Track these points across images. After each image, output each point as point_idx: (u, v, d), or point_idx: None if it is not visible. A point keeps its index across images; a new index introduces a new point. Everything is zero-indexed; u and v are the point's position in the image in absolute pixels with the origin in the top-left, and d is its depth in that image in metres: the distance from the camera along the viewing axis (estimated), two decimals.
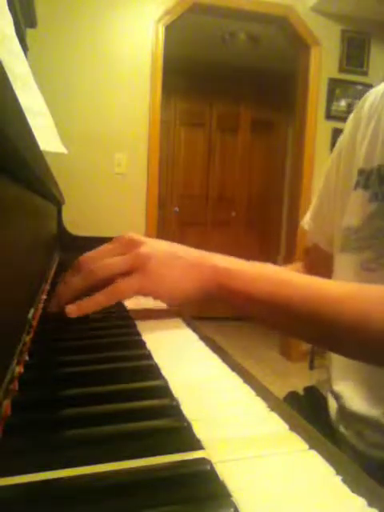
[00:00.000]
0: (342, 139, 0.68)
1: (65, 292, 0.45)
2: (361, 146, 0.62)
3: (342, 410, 0.60)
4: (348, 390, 0.60)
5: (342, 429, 0.59)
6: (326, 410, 0.64)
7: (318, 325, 0.42)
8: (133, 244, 0.45)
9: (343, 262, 0.63)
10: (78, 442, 0.23)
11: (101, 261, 0.45)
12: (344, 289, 0.44)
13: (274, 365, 2.84)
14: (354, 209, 0.61)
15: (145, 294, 0.45)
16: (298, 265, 0.77)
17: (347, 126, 0.67)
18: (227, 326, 3.25)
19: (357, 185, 0.61)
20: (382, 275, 0.55)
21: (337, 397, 0.62)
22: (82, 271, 0.45)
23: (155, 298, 0.46)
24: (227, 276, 0.45)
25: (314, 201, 0.74)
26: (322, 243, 0.72)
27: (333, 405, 0.62)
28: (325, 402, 0.65)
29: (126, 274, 0.44)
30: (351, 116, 0.67)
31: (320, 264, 0.73)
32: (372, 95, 0.64)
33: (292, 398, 0.71)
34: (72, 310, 0.43)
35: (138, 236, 0.47)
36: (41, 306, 0.51)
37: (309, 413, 0.64)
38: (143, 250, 0.44)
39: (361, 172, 0.60)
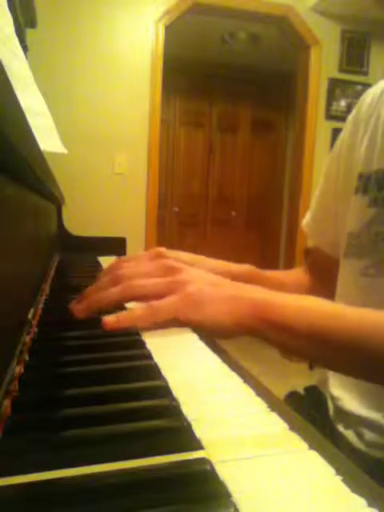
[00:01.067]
0: (341, 140, 0.67)
1: (98, 299, 0.43)
2: (360, 149, 0.61)
3: (341, 410, 0.60)
4: (347, 392, 0.60)
5: (341, 429, 0.59)
6: (327, 409, 0.64)
7: (366, 358, 0.40)
8: (173, 269, 0.44)
9: (346, 267, 0.62)
10: (78, 441, 0.23)
11: (141, 278, 0.44)
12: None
13: (274, 365, 2.84)
14: (354, 214, 0.60)
15: (182, 321, 0.42)
16: (299, 270, 0.77)
17: (346, 127, 0.67)
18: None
19: (356, 190, 0.60)
20: (381, 282, 0.55)
21: (335, 398, 0.62)
22: (119, 283, 0.44)
23: (192, 324, 0.43)
24: (267, 309, 0.42)
25: (314, 202, 0.74)
26: (323, 245, 0.72)
27: (332, 405, 0.62)
28: (325, 401, 0.65)
29: (163, 296, 0.42)
30: (350, 117, 0.66)
31: (321, 266, 0.73)
32: (369, 96, 0.63)
33: (292, 397, 0.71)
34: (109, 322, 0.40)
35: (176, 261, 0.46)
36: (41, 306, 0.51)
37: (309, 412, 0.64)
38: (184, 276, 0.43)
39: (360, 176, 0.60)
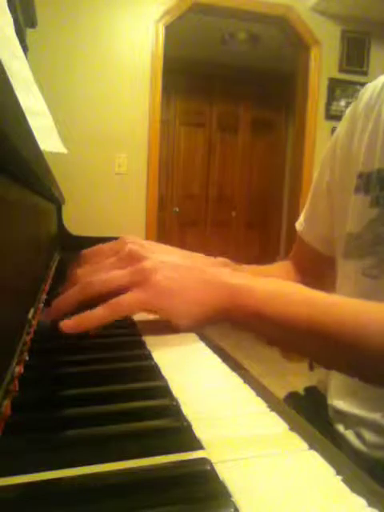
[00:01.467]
0: (337, 137, 0.65)
1: (60, 304, 0.41)
2: (359, 147, 0.60)
3: (341, 411, 0.60)
4: (345, 393, 0.60)
5: (341, 429, 0.59)
6: (326, 410, 0.64)
7: (341, 349, 0.39)
8: (134, 257, 0.41)
9: (346, 267, 0.62)
10: (78, 442, 0.23)
11: (100, 274, 0.41)
12: (376, 311, 0.40)
13: (274, 365, 2.84)
14: (355, 214, 0.59)
15: (150, 310, 0.41)
16: (287, 263, 0.77)
17: (342, 124, 0.65)
18: (227, 326, 3.25)
19: (357, 189, 0.59)
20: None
21: (335, 398, 0.62)
22: (79, 283, 0.42)
23: (163, 316, 0.41)
24: (241, 294, 0.40)
25: (308, 201, 0.74)
26: (316, 244, 0.71)
27: (331, 405, 0.62)
28: (325, 402, 0.65)
29: (127, 289, 0.39)
30: (346, 114, 0.65)
31: (311, 263, 0.73)
32: (368, 92, 0.61)
33: (292, 398, 0.71)
34: (68, 325, 0.38)
35: (141, 250, 0.42)
36: (41, 305, 0.51)
37: (309, 413, 0.64)
38: (146, 264, 0.40)
39: (360, 175, 0.59)
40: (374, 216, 0.56)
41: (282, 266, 0.76)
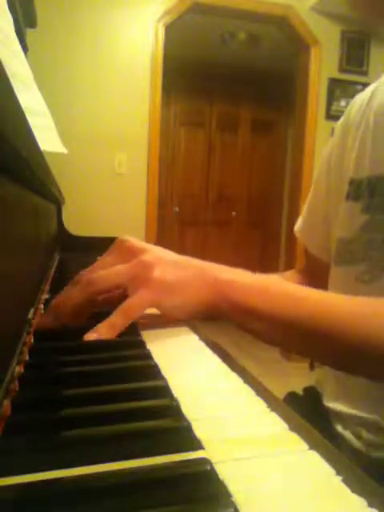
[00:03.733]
0: (332, 145, 0.67)
1: (62, 305, 0.41)
2: (350, 154, 0.61)
3: (339, 411, 0.60)
4: (343, 393, 0.60)
5: (339, 429, 0.59)
6: (325, 410, 0.64)
7: (327, 343, 0.39)
8: (133, 252, 0.42)
9: (337, 273, 0.62)
10: (78, 442, 0.23)
11: (97, 272, 0.42)
12: (354, 304, 0.41)
13: (273, 365, 2.84)
14: (346, 220, 0.60)
15: (157, 306, 0.41)
16: (294, 271, 0.77)
17: (336, 132, 0.66)
18: (227, 326, 3.25)
19: (348, 196, 0.60)
20: (377, 287, 0.55)
21: (333, 398, 0.62)
22: (80, 282, 0.42)
23: (165, 310, 0.42)
24: (229, 288, 0.41)
25: (305, 208, 0.74)
26: (315, 250, 0.72)
27: (330, 405, 0.62)
28: (323, 402, 0.65)
29: (129, 284, 0.40)
30: (339, 122, 0.66)
31: (313, 269, 0.73)
32: (358, 101, 0.63)
33: (291, 398, 0.71)
34: (90, 337, 0.38)
35: (138, 242, 0.43)
36: (41, 305, 0.51)
37: (308, 413, 0.64)
38: (146, 257, 0.41)
39: (351, 182, 0.60)
40: (365, 222, 0.57)
41: (286, 276, 0.76)
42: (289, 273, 0.78)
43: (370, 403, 0.55)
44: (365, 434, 0.55)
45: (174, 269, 0.41)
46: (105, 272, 0.41)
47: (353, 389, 0.58)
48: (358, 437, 0.56)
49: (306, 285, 0.71)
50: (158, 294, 0.40)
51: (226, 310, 0.41)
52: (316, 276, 0.73)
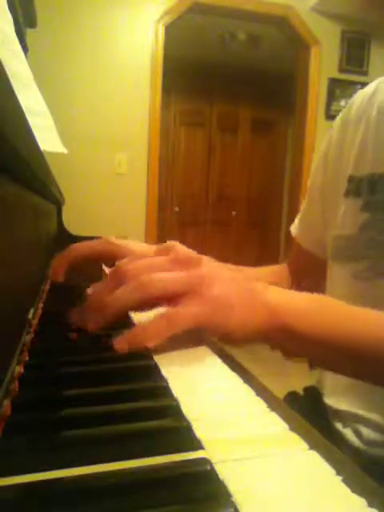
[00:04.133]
0: (329, 142, 0.67)
1: (110, 305, 0.35)
2: (350, 151, 0.61)
3: (338, 409, 0.60)
4: (342, 391, 0.60)
5: (339, 427, 0.60)
6: (325, 408, 0.64)
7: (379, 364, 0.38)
8: (191, 262, 0.37)
9: (335, 270, 0.62)
10: (78, 442, 0.23)
11: (152, 273, 0.36)
12: None
13: (274, 365, 2.84)
14: (346, 218, 0.60)
15: (204, 326, 0.36)
16: (282, 267, 0.77)
17: (334, 129, 0.66)
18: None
19: (347, 193, 0.59)
20: (376, 284, 0.55)
21: (332, 396, 0.62)
22: (128, 281, 0.36)
23: (217, 331, 0.37)
24: (285, 315, 0.38)
25: (303, 205, 0.74)
26: (311, 247, 0.72)
27: (329, 404, 0.63)
28: (323, 400, 0.65)
29: (184, 295, 0.35)
30: (338, 118, 0.66)
31: (308, 268, 0.73)
32: (359, 98, 0.62)
33: (292, 397, 0.71)
34: (121, 345, 0.34)
35: (193, 251, 0.39)
36: (41, 305, 0.51)
37: (308, 412, 0.64)
38: (205, 270, 0.36)
39: (350, 179, 0.59)
40: (366, 220, 0.56)
41: (276, 271, 0.76)
42: (277, 269, 0.77)
43: (370, 401, 0.56)
44: (365, 431, 0.56)
45: (229, 289, 0.37)
46: (161, 276, 0.35)
47: (353, 387, 0.58)
48: (358, 435, 0.56)
49: (298, 283, 0.71)
50: (213, 311, 0.35)
51: (277, 335, 0.38)
52: (309, 272, 0.73)
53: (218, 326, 0.36)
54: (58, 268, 0.47)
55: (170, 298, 0.35)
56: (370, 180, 0.56)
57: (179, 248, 0.39)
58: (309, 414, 0.65)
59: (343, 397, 0.59)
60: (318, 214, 0.68)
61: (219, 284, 0.36)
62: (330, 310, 0.40)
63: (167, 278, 0.35)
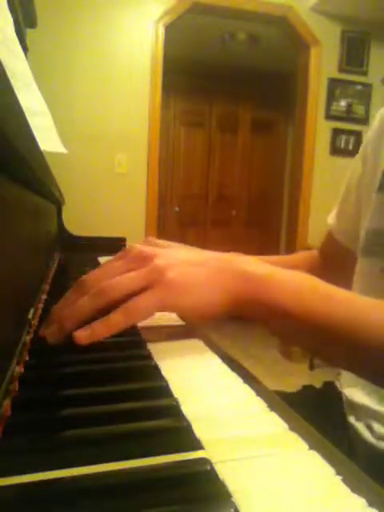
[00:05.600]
0: (369, 136, 0.67)
1: (69, 316, 0.37)
2: None
3: (352, 403, 0.60)
4: (356, 385, 0.60)
5: (352, 420, 0.60)
6: (341, 402, 0.64)
7: (363, 349, 0.37)
8: (144, 257, 0.38)
9: (364, 264, 0.62)
10: (78, 442, 0.23)
11: (110, 279, 0.37)
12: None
13: (274, 365, 2.84)
14: (377, 212, 0.59)
15: (166, 309, 0.38)
16: (312, 253, 0.77)
17: (373, 124, 0.66)
18: (227, 325, 3.26)
19: (380, 187, 0.59)
20: None
21: (347, 390, 0.62)
22: (87, 291, 0.37)
23: (178, 312, 0.40)
24: (262, 285, 0.38)
25: (340, 197, 0.74)
26: (344, 239, 0.72)
27: (344, 395, 0.63)
28: (340, 396, 0.65)
29: (142, 292, 0.36)
30: (378, 115, 0.66)
31: (339, 259, 0.73)
32: None
33: (307, 390, 0.71)
34: (82, 337, 0.35)
35: (149, 247, 0.40)
36: (41, 305, 0.51)
37: (324, 405, 0.64)
38: (158, 262, 0.37)
39: None
40: None
41: (306, 257, 0.77)
42: (308, 256, 0.77)
43: (382, 395, 0.56)
44: (376, 426, 0.56)
45: (191, 267, 0.38)
46: (116, 279, 0.37)
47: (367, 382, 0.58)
48: (370, 429, 0.56)
49: (327, 272, 0.71)
50: (168, 294, 0.36)
51: (256, 309, 0.38)
52: (339, 265, 0.73)
53: (177, 305, 0.37)
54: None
55: (134, 296, 0.36)
56: None
57: (133, 248, 0.40)
58: (324, 407, 0.65)
59: (359, 389, 0.60)
60: (354, 207, 0.69)
61: (174, 268, 0.37)
62: (314, 287, 0.40)
63: (121, 279, 0.37)
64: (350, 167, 0.72)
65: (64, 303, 0.38)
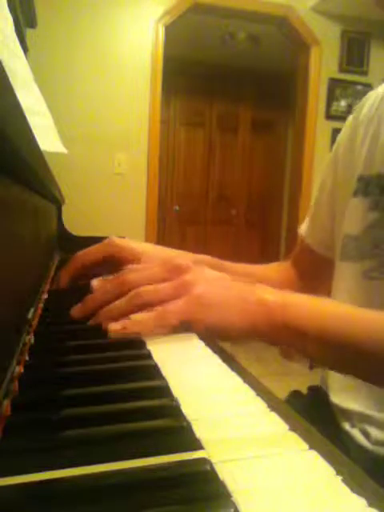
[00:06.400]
0: (340, 142, 0.67)
1: (109, 312, 0.42)
2: (360, 150, 0.61)
3: (345, 409, 0.60)
4: (348, 391, 0.60)
5: (347, 427, 0.59)
6: (330, 408, 0.64)
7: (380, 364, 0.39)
8: (178, 270, 0.43)
9: (343, 269, 0.62)
10: (78, 442, 0.23)
11: (146, 283, 0.42)
12: None
13: (274, 365, 2.85)
14: (354, 217, 0.60)
15: (190, 322, 0.41)
16: (285, 264, 0.77)
17: (345, 128, 0.66)
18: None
19: (356, 192, 0.60)
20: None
21: (338, 396, 0.62)
22: (126, 291, 0.42)
23: (201, 328, 0.41)
24: (280, 312, 0.40)
25: (312, 206, 0.74)
26: (318, 248, 0.72)
27: (334, 403, 0.62)
28: (328, 400, 0.65)
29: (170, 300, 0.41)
30: (350, 118, 0.66)
31: (313, 267, 0.73)
32: (371, 97, 0.63)
33: (295, 396, 0.71)
34: (115, 329, 0.39)
35: (186, 261, 0.44)
36: (41, 305, 0.51)
37: (312, 411, 0.64)
38: (188, 277, 0.42)
39: (360, 179, 0.60)
40: (374, 219, 0.57)
41: (278, 268, 0.76)
42: (280, 267, 0.77)
43: (378, 401, 0.55)
44: (373, 431, 0.55)
45: (216, 288, 0.42)
46: (152, 288, 0.41)
47: (361, 386, 0.58)
48: (366, 435, 0.56)
49: (302, 281, 0.71)
50: (195, 308, 0.40)
51: (275, 334, 0.40)
52: (314, 273, 0.73)
53: (202, 319, 0.40)
54: (65, 277, 0.53)
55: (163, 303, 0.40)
56: (379, 180, 0.57)
57: (173, 259, 0.45)
58: (313, 413, 0.65)
59: (351, 396, 0.59)
60: (327, 215, 0.69)
61: (202, 285, 0.41)
62: (328, 307, 0.43)
63: (156, 288, 0.41)
64: (321, 176, 0.72)
65: (103, 296, 0.43)
